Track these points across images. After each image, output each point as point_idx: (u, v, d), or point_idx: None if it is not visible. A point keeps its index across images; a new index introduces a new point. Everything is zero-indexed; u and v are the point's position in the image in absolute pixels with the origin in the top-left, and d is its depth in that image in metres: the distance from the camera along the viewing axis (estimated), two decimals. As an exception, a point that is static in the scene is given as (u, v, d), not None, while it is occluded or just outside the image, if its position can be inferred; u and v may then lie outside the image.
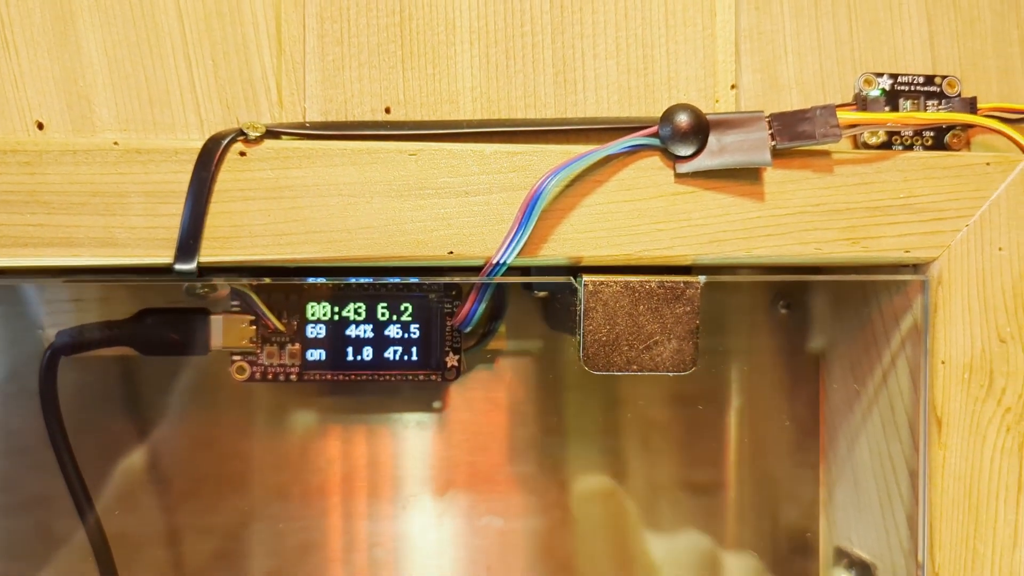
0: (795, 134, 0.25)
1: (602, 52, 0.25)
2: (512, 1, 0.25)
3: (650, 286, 0.24)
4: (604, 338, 0.24)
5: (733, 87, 0.26)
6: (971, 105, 0.27)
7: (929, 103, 0.27)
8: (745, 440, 0.33)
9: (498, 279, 0.24)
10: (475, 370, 0.31)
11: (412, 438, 0.32)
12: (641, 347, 0.24)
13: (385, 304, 0.26)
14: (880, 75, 0.26)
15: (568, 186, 0.24)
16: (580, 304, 0.24)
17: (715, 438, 0.32)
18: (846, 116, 0.25)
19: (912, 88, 0.27)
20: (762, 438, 0.33)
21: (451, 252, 0.24)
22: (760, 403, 0.33)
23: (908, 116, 0.25)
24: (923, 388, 0.26)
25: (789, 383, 0.33)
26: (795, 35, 0.26)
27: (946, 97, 0.27)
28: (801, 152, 0.25)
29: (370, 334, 0.26)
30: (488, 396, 0.31)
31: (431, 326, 0.26)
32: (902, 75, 0.27)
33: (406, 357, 0.26)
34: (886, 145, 0.26)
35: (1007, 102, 0.28)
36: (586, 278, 0.24)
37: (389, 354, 0.26)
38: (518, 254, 0.24)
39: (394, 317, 0.26)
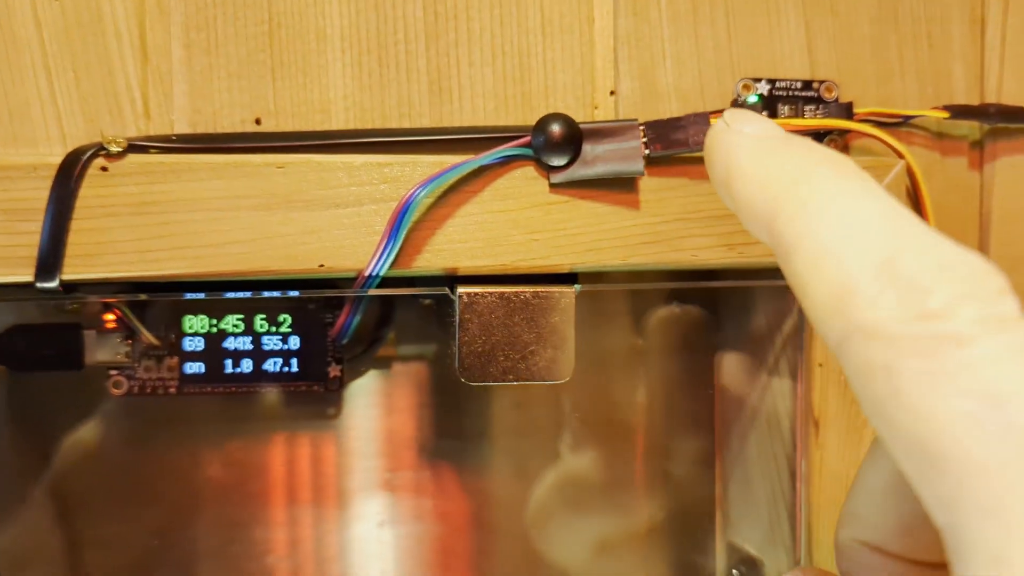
0: (669, 142, 0.27)
1: (477, 60, 0.27)
2: (385, 8, 0.26)
3: (525, 296, 0.26)
4: (480, 349, 0.26)
5: (612, 93, 0.28)
6: (848, 110, 0.29)
7: (807, 108, 0.29)
8: (643, 437, 0.35)
9: (372, 292, 0.26)
10: (367, 376, 0.33)
11: (306, 445, 0.33)
12: (517, 357, 0.26)
13: (263, 316, 0.28)
14: (758, 80, 0.29)
15: (441, 197, 0.26)
16: (455, 316, 0.26)
17: (613, 436, 0.34)
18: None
19: (790, 93, 0.29)
20: (660, 435, 0.35)
21: (322, 265, 0.26)
22: (658, 400, 0.35)
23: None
24: (799, 391, 0.28)
25: (686, 380, 0.35)
26: (673, 40, 0.28)
27: (824, 102, 0.29)
28: (679, 160, 0.27)
29: (249, 346, 0.28)
30: (380, 402, 0.33)
31: (311, 337, 0.28)
32: (780, 80, 0.29)
33: (286, 368, 0.28)
34: (764, 150, 0.28)
35: (885, 107, 0.30)
36: (461, 289, 0.26)
37: (269, 366, 0.28)
38: (390, 266, 0.26)
39: (273, 328, 0.28)
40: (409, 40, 0.28)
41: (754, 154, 0.19)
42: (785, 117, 0.31)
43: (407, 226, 0.27)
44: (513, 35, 0.29)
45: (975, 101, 0.33)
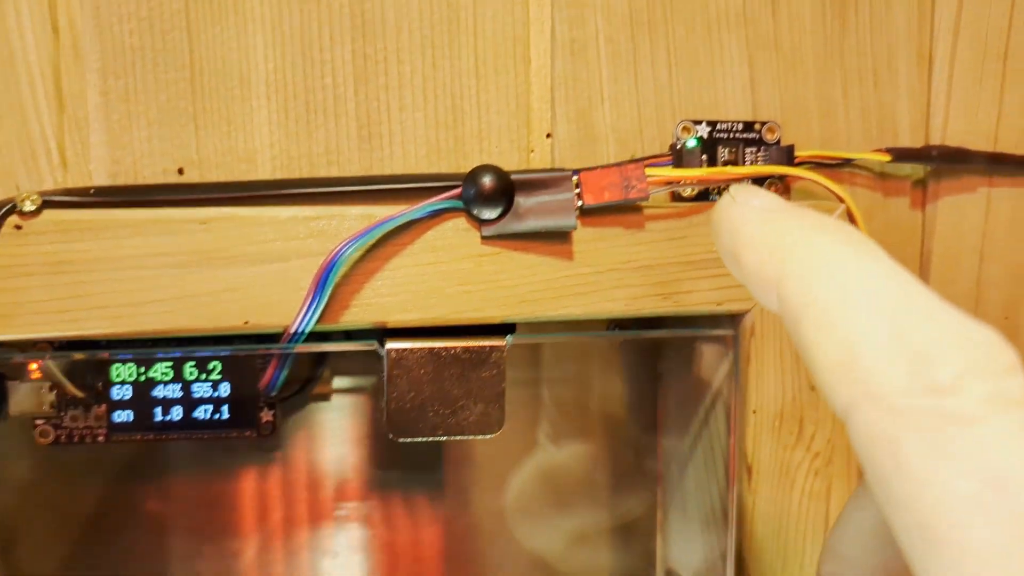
0: (600, 196, 0.27)
1: (408, 104, 0.26)
2: (312, 52, 0.26)
3: (455, 352, 0.26)
4: (408, 405, 0.26)
5: (549, 136, 0.28)
6: (789, 153, 0.29)
7: (748, 150, 0.29)
8: (587, 459, 0.35)
9: (300, 349, 0.26)
10: (304, 412, 0.33)
11: (250, 479, 0.33)
12: (447, 412, 0.26)
13: (192, 363, 0.28)
14: (698, 122, 0.28)
15: (370, 250, 0.26)
16: (384, 372, 0.26)
17: (557, 460, 0.35)
18: (655, 173, 0.27)
19: (731, 135, 0.29)
20: (605, 458, 0.35)
21: (247, 322, 0.25)
22: (602, 424, 0.35)
23: (719, 172, 0.28)
24: (733, 436, 0.29)
25: (630, 404, 0.35)
26: (612, 82, 0.28)
27: (765, 144, 0.29)
28: (614, 209, 0.27)
29: (178, 394, 0.28)
30: (318, 437, 0.33)
31: (242, 383, 0.28)
32: (721, 122, 0.29)
33: (217, 416, 0.28)
34: (703, 195, 0.28)
35: (829, 145, 0.30)
36: (389, 345, 0.26)
37: (199, 413, 0.28)
38: (317, 322, 0.26)
39: (202, 376, 0.28)
40: (337, 84, 0.28)
41: (760, 224, 0.20)
42: (724, 161, 0.30)
43: (333, 282, 0.27)
44: (446, 78, 0.28)
45: (920, 139, 0.32)
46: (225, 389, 0.30)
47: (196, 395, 0.30)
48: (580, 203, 0.28)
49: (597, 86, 0.30)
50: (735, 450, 0.31)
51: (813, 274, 0.17)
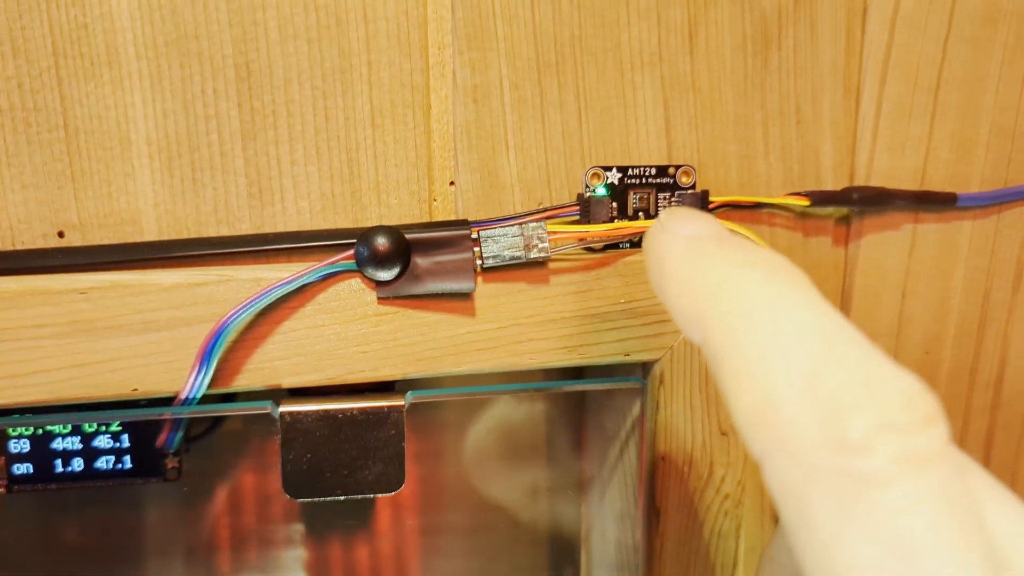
0: (501, 255, 0.26)
1: (300, 157, 0.26)
2: (195, 108, 0.25)
3: (352, 413, 0.26)
4: (305, 466, 0.26)
5: (452, 184, 0.27)
6: (703, 198, 0.28)
7: (661, 196, 0.28)
8: (514, 473, 0.35)
9: (192, 413, 0.26)
10: (214, 453, 0.33)
11: (155, 507, 0.34)
12: (345, 472, 0.26)
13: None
14: (609, 168, 0.27)
15: (261, 314, 0.25)
16: (278, 434, 0.26)
17: (484, 474, 0.35)
18: (558, 230, 0.26)
19: (643, 180, 0.28)
20: (531, 473, 0.36)
21: (135, 389, 0.25)
22: (527, 439, 0.35)
23: (622, 227, 0.27)
24: (642, 485, 0.29)
25: (555, 419, 0.35)
26: (517, 129, 0.27)
27: (679, 188, 0.28)
28: (515, 264, 0.26)
29: (78, 446, 0.28)
30: (228, 468, 0.33)
31: (142, 434, 0.27)
32: (633, 167, 0.28)
33: (119, 465, 0.28)
34: (612, 244, 0.28)
35: (748, 188, 0.29)
36: (282, 409, 0.26)
37: (101, 463, 0.28)
38: (207, 388, 0.25)
39: (102, 428, 0.27)
40: (224, 141, 0.27)
41: (684, 256, 0.19)
42: (635, 208, 0.30)
43: (220, 350, 0.26)
44: (339, 130, 0.27)
45: (844, 178, 0.32)
46: (126, 440, 0.29)
47: (96, 446, 0.29)
48: (479, 262, 0.28)
49: (501, 133, 0.29)
50: (643, 495, 0.31)
51: (734, 317, 0.17)
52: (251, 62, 0.26)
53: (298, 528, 0.36)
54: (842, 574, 0.14)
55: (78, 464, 0.29)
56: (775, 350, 0.16)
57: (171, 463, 0.31)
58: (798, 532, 0.15)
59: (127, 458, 0.30)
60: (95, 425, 0.29)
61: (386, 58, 0.27)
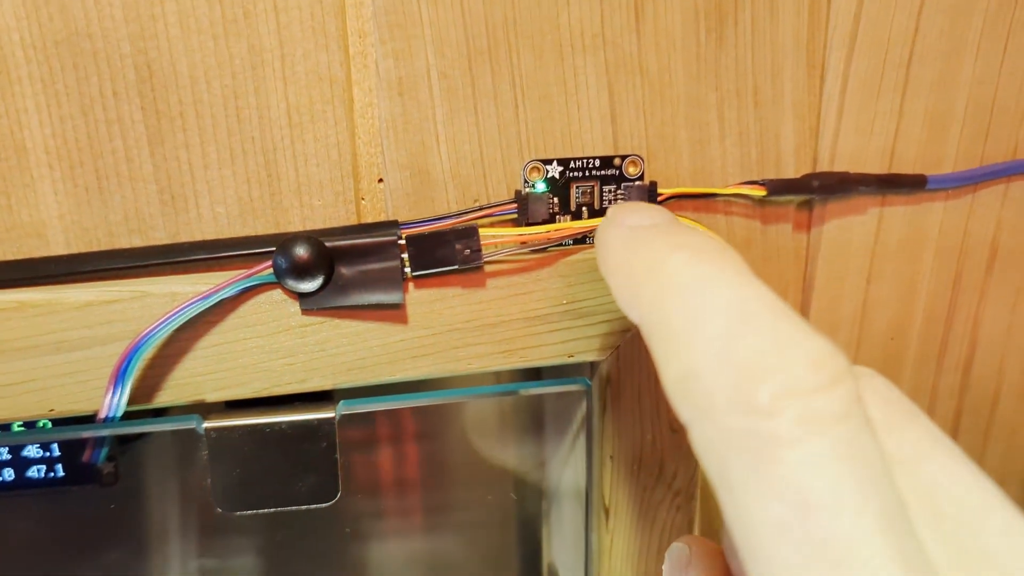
0: (433, 260, 0.25)
1: (214, 161, 0.24)
2: (94, 112, 0.23)
3: (280, 427, 0.25)
4: (235, 481, 0.26)
5: (380, 181, 0.25)
6: (651, 191, 0.27)
7: (606, 189, 0.26)
8: (478, 478, 0.35)
9: (113, 431, 0.25)
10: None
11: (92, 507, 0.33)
12: (277, 485, 0.26)
13: (20, 424, 0.27)
14: (548, 162, 0.26)
15: (179, 330, 0.24)
16: (205, 450, 0.25)
17: (447, 480, 0.34)
18: (491, 235, 0.25)
19: (587, 173, 0.26)
20: (496, 478, 0.35)
21: (52, 410, 0.24)
22: (494, 443, 0.35)
23: (563, 228, 0.26)
24: (590, 480, 0.28)
25: (521, 421, 0.34)
26: (448, 122, 0.25)
27: (626, 180, 0.26)
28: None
29: (7, 456, 0.27)
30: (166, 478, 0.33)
31: (72, 442, 0.27)
32: (575, 159, 0.26)
33: (52, 474, 0.28)
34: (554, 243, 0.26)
35: (702, 176, 0.28)
36: (207, 424, 0.25)
37: (33, 473, 0.27)
38: (127, 407, 0.24)
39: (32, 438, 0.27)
40: (129, 146, 0.25)
41: (623, 247, 0.21)
42: (578, 202, 0.28)
43: (136, 370, 0.25)
44: (254, 130, 0.25)
45: (807, 161, 0.30)
46: (56, 449, 0.29)
47: (27, 456, 0.29)
48: (407, 270, 0.26)
49: (431, 127, 0.27)
50: (590, 496, 0.31)
51: (662, 295, 0.18)
52: (152, 61, 0.24)
53: (243, 525, 0.36)
54: (754, 530, 0.15)
55: (9, 474, 0.29)
56: (695, 322, 0.17)
57: (107, 468, 0.30)
58: (719, 492, 0.16)
59: (59, 466, 0.29)
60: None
61: (301, 51, 0.25)
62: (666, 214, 0.22)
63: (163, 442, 0.28)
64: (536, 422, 0.29)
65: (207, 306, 0.25)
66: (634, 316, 0.20)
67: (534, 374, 0.34)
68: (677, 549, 0.27)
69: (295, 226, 0.27)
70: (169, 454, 0.28)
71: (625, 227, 0.21)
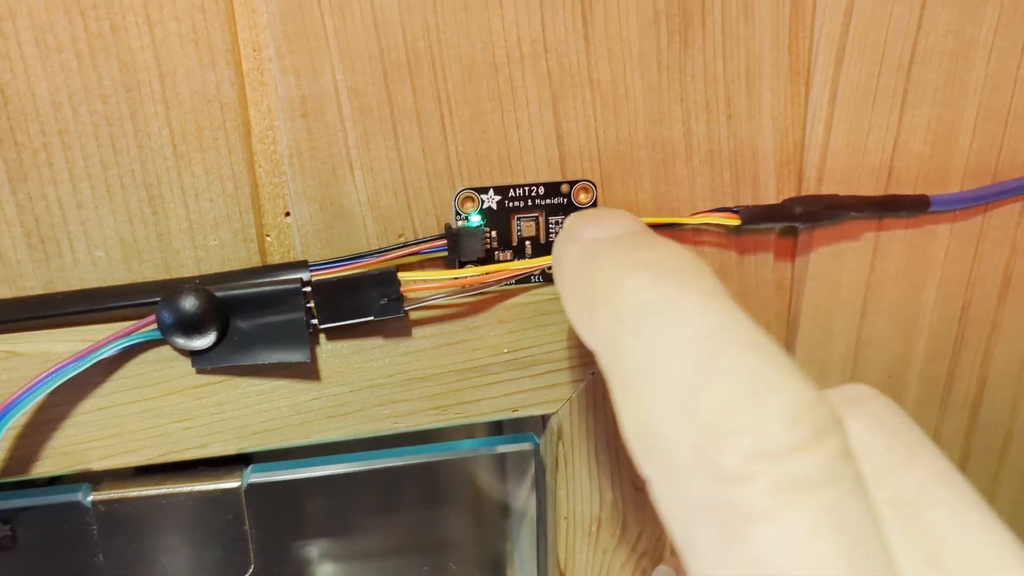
0: (345, 310, 0.22)
1: (88, 199, 0.21)
2: None
3: (179, 499, 0.22)
4: (131, 558, 0.22)
5: (287, 214, 0.22)
6: None
7: (553, 220, 0.23)
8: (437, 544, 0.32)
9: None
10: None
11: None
12: (179, 561, 0.23)
13: None
14: (484, 190, 0.22)
15: (56, 393, 0.21)
16: (94, 524, 0.22)
17: (380, 525, 0.31)
18: (416, 280, 0.22)
19: (530, 202, 0.23)
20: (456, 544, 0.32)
21: (-88, 485, 0.21)
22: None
23: (503, 269, 0.22)
24: (538, 550, 0.25)
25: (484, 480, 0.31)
26: (362, 147, 0.22)
27: (577, 209, 0.23)
28: None
29: None
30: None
31: None
32: (515, 187, 0.22)
33: (-60, 540, 0.24)
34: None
35: (665, 201, 0.25)
36: (94, 496, 0.22)
37: (-81, 539, 0.24)
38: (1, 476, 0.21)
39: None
40: (-14, 184, 0.21)
41: (579, 265, 0.18)
42: (520, 236, 0.24)
43: (2, 438, 0.22)
44: (132, 161, 0.22)
45: (790, 182, 0.26)
46: (-60, 516, 0.26)
47: (-92, 523, 0.26)
48: (315, 322, 0.23)
49: (342, 153, 0.23)
50: (542, 561, 0.27)
51: (618, 326, 0.15)
52: (6, 85, 0.21)
53: None
54: None
55: None
56: (654, 361, 0.14)
57: (3, 531, 0.27)
58: (684, 555, 0.14)
59: (-54, 532, 0.26)
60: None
61: (182, 68, 0.21)
62: (631, 223, 0.19)
63: (55, 510, 0.25)
64: (484, 481, 0.26)
65: (84, 367, 0.22)
66: (591, 343, 0.17)
67: (494, 427, 0.31)
68: (663, 572, 0.25)
69: (189, 270, 0.23)
70: (64, 522, 0.25)
71: (583, 241, 0.19)
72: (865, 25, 0.25)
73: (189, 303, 0.22)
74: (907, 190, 0.27)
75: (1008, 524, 0.31)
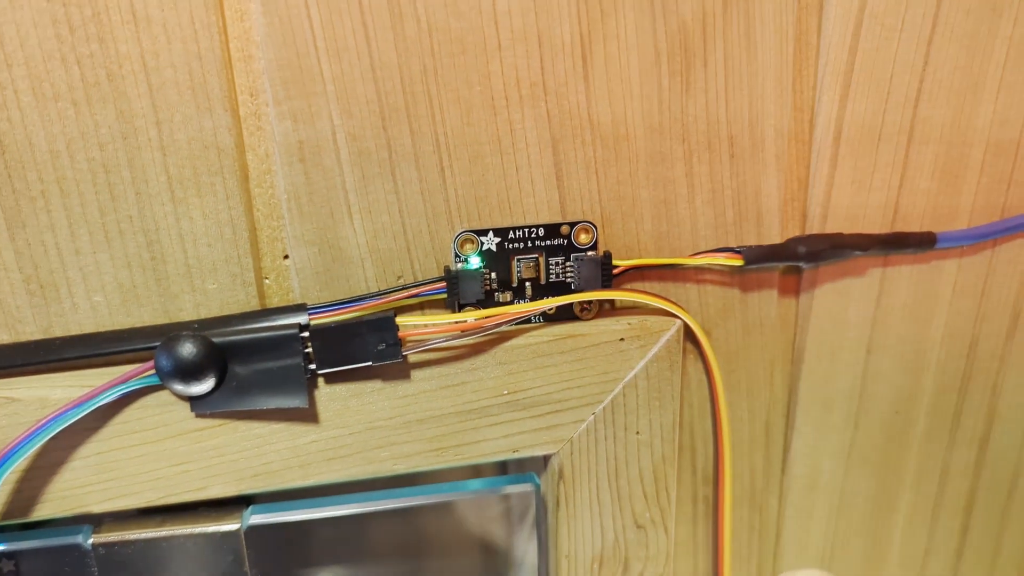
0: (343, 356, 0.22)
1: (86, 245, 0.21)
2: None
3: (179, 540, 0.22)
4: None
5: (286, 257, 0.22)
6: (604, 263, 0.23)
7: (553, 261, 0.23)
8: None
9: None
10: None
11: None
12: None
13: None
14: (484, 232, 0.22)
15: (56, 439, 0.21)
16: (95, 566, 0.22)
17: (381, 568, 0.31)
18: (415, 324, 0.22)
19: (530, 244, 0.23)
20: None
21: (-87, 529, 0.21)
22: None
23: (502, 313, 0.22)
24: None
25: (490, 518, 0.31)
26: (360, 190, 0.21)
27: (577, 250, 0.23)
28: None
29: None
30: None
31: None
32: (515, 228, 0.22)
33: (-57, 577, 0.25)
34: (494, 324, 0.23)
35: (667, 241, 0.26)
36: (95, 538, 0.22)
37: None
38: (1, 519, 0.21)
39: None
40: (-16, 230, 0.22)
41: None
42: (521, 276, 0.24)
43: (2, 483, 0.22)
44: (130, 207, 0.22)
45: (794, 220, 0.26)
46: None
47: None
48: (314, 367, 0.23)
49: (341, 196, 0.23)
50: (544, 600, 0.27)
51: None
52: (3, 134, 0.21)
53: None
54: None
55: None
56: None
57: (6, 567, 0.27)
58: None
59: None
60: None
61: (179, 115, 0.21)
62: None
63: (56, 552, 0.25)
64: (485, 521, 0.26)
65: (82, 414, 0.22)
66: None
67: (500, 467, 0.31)
68: None
69: (188, 314, 0.23)
70: (66, 564, 0.25)
71: None
72: (870, 62, 0.24)
73: (187, 350, 0.22)
74: (914, 227, 0.26)
75: (1018, 560, 0.31)
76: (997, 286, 0.28)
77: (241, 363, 0.22)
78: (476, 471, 0.28)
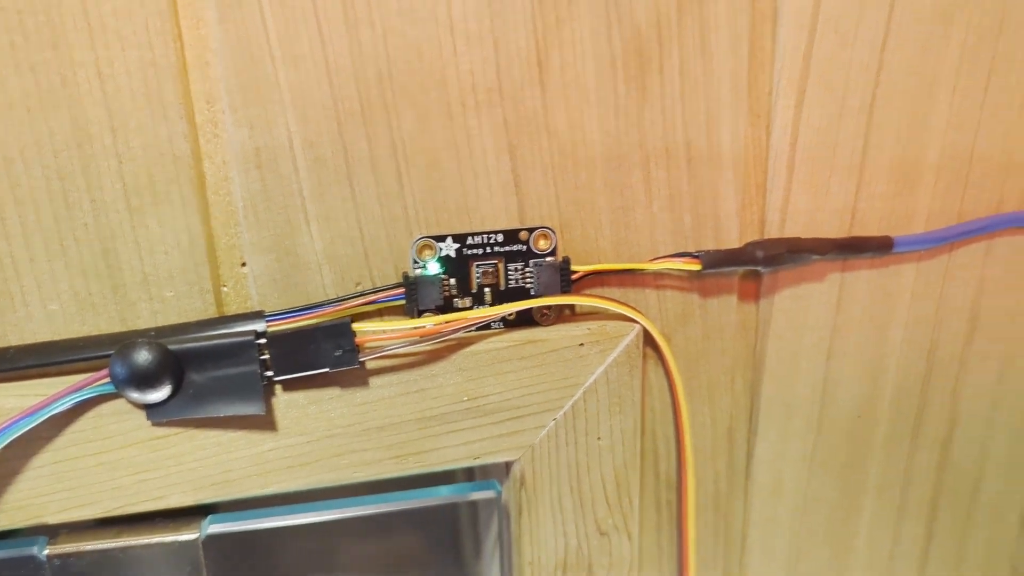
0: (299, 362, 0.22)
1: (41, 253, 0.21)
2: None
3: (136, 551, 0.22)
4: None
5: (244, 265, 0.22)
6: (563, 269, 0.23)
7: (512, 267, 0.23)
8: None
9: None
10: None
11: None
12: None
13: None
14: (442, 238, 0.22)
15: (9, 448, 0.21)
16: None
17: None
18: (372, 331, 0.22)
19: (489, 249, 0.23)
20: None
21: None
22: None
23: (461, 319, 0.22)
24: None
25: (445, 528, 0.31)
26: (317, 197, 0.22)
27: (536, 256, 0.23)
28: None
29: None
30: None
31: None
32: (473, 234, 0.23)
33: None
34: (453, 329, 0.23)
35: (625, 247, 0.26)
36: (50, 550, 0.22)
37: None
38: (-49, 536, 0.21)
39: None
40: (-64, 239, 0.22)
41: None
42: (479, 283, 0.24)
43: (-45, 499, 0.22)
44: (85, 215, 0.22)
45: (752, 225, 0.26)
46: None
47: None
48: (270, 374, 0.23)
49: (297, 203, 0.23)
50: (507, 607, 0.27)
51: None
52: (-45, 141, 0.21)
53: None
54: None
55: None
56: None
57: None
58: None
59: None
60: None
61: (134, 122, 0.22)
62: None
63: (10, 564, 0.25)
64: (447, 528, 0.26)
65: (36, 423, 0.22)
66: None
67: (467, 474, 0.31)
68: None
69: (144, 322, 0.23)
70: (23, 574, 0.25)
71: None
72: (825, 66, 0.25)
73: (142, 357, 0.22)
74: (872, 231, 0.27)
75: (982, 564, 0.31)
76: (954, 290, 0.28)
77: (197, 371, 0.22)
78: (450, 478, 0.28)
